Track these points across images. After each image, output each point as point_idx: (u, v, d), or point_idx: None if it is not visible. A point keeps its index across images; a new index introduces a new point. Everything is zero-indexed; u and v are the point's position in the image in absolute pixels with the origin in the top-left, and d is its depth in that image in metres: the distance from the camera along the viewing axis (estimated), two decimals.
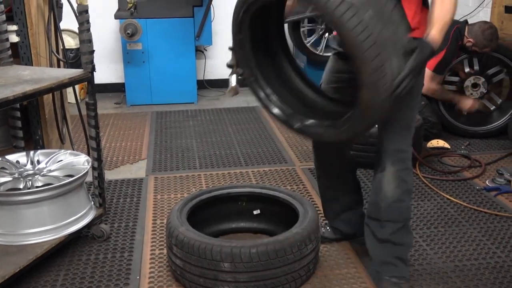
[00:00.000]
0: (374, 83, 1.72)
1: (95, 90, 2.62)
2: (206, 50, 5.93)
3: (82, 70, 2.56)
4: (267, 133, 4.56)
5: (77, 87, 5.19)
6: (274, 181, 3.53)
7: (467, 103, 4.06)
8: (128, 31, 5.01)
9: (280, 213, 2.70)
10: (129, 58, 5.29)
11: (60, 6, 3.16)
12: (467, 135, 4.29)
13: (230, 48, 2.25)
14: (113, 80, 5.81)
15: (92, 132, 2.65)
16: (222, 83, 6.02)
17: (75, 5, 2.61)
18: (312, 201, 3.20)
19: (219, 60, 6.02)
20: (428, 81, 3.67)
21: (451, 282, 2.37)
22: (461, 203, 3.15)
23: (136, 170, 3.78)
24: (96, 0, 5.36)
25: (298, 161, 3.90)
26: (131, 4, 5.19)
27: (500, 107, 4.29)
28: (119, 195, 3.32)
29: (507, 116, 4.08)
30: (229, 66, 2.24)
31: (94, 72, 2.59)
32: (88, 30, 2.54)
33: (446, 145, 4.06)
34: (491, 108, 4.32)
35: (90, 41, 2.56)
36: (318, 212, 2.87)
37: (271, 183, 3.48)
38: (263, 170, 3.72)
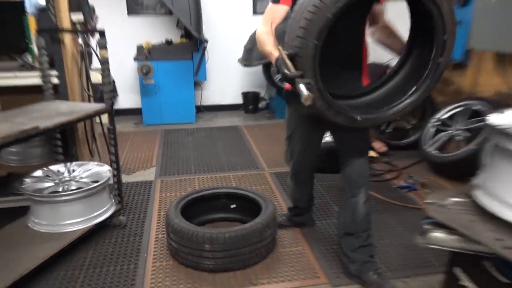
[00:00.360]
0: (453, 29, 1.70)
1: (114, 118, 2.69)
2: (202, 84, 5.99)
3: (104, 104, 2.63)
4: (245, 145, 4.60)
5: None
6: (248, 183, 3.57)
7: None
8: (144, 70, 5.07)
9: (249, 207, 2.74)
10: (145, 90, 5.33)
11: (90, 54, 3.23)
12: (391, 147, 4.32)
13: (290, 56, 1.63)
14: (133, 106, 5.83)
15: (112, 149, 2.73)
16: (214, 108, 6.12)
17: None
18: (275, 197, 3.28)
19: (211, 91, 6.11)
20: None
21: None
22: (382, 198, 3.20)
23: (148, 174, 3.80)
24: (121, 47, 5.49)
25: (267, 167, 3.93)
26: (146, 50, 5.26)
27: (414, 126, 4.37)
28: (134, 194, 3.36)
29: (418, 133, 4.17)
30: (293, 76, 1.57)
31: (113, 105, 2.65)
32: (109, 75, 2.62)
33: (374, 154, 4.13)
34: (408, 127, 4.41)
35: (110, 83, 2.63)
36: (279, 206, 2.98)
37: (245, 185, 3.52)
38: (241, 174, 3.76)
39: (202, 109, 6.06)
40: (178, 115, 5.49)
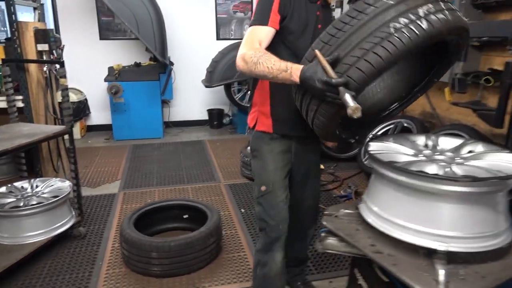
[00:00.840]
0: None
1: (73, 139, 2.76)
2: (169, 102, 6.09)
3: (64, 126, 2.71)
4: (206, 159, 4.70)
5: (79, 127, 5.33)
6: (204, 194, 3.67)
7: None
8: (112, 90, 5.13)
9: (200, 217, 2.82)
10: (115, 108, 5.38)
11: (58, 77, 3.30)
12: (336, 159, 4.47)
13: (331, 62, 1.26)
14: (105, 122, 5.86)
15: (72, 166, 2.80)
16: (182, 123, 6.23)
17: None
18: (226, 207, 3.40)
19: (179, 108, 6.22)
20: None
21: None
22: (323, 206, 3.26)
23: (112, 187, 3.85)
24: (94, 68, 5.57)
25: (223, 179, 4.03)
26: (116, 72, 5.33)
27: (356, 140, 4.55)
28: (97, 206, 3.41)
29: (359, 147, 4.34)
30: (338, 83, 1.23)
31: (73, 127, 2.74)
32: (68, 100, 2.70)
33: (322, 166, 4.29)
34: (352, 140, 4.58)
35: (69, 107, 2.72)
36: (229, 215, 3.08)
37: (201, 196, 3.63)
38: (198, 186, 3.87)
39: (170, 125, 6.15)
40: (147, 130, 5.56)
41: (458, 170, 1.34)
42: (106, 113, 5.80)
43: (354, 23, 1.25)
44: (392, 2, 1.22)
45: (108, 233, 2.97)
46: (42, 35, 2.98)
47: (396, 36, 1.18)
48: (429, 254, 1.30)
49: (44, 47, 3.01)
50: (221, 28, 6.05)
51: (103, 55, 5.70)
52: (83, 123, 5.78)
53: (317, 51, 1.30)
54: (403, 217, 1.35)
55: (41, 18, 3.20)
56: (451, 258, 1.32)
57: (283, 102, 1.70)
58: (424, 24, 1.19)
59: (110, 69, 5.40)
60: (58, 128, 2.73)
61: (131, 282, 2.40)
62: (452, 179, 1.23)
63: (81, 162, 4.45)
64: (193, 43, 5.96)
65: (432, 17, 1.20)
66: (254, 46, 1.48)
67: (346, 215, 1.59)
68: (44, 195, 2.75)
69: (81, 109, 5.55)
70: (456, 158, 1.48)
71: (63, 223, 2.74)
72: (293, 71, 1.36)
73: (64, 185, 2.86)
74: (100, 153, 4.92)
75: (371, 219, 1.47)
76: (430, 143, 1.65)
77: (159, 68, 5.41)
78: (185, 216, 3.01)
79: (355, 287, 1.74)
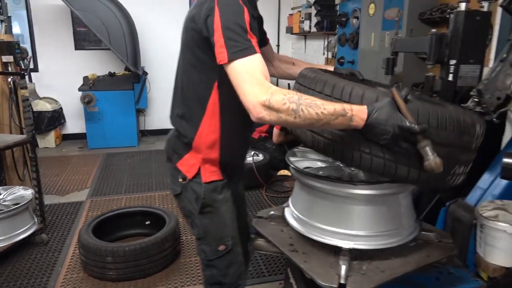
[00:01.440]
0: None
1: (35, 148, 2.85)
2: (144, 111, 6.18)
3: (26, 136, 2.79)
4: None
5: (53, 136, 5.39)
6: (170, 201, 3.75)
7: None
8: (85, 100, 5.21)
9: (161, 223, 2.89)
10: (89, 117, 5.45)
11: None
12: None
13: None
14: (80, 131, 5.91)
15: (34, 175, 2.88)
16: (158, 132, 6.30)
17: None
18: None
19: (155, 116, 6.31)
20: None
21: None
22: None
23: (81, 195, 3.91)
24: (69, 78, 5.65)
25: None
26: (91, 81, 5.42)
27: None
28: (63, 213, 3.48)
29: None
30: (421, 130, 1.08)
31: (35, 137, 2.81)
32: (29, 111, 2.79)
33: (289, 173, 4.41)
34: None
35: (30, 118, 2.80)
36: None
37: (168, 203, 3.72)
38: (166, 194, 3.96)
39: (146, 134, 6.24)
40: (121, 139, 5.64)
41: (362, 174, 1.48)
42: (81, 122, 5.85)
43: None
44: None
45: (71, 239, 3.04)
46: (6, 47, 3.07)
47: None
48: (337, 251, 1.43)
49: (9, 58, 3.09)
50: None
51: (78, 65, 5.79)
52: (58, 132, 5.83)
53: (394, 90, 1.12)
54: (315, 218, 1.48)
55: (8, 30, 3.27)
56: (357, 255, 1.45)
57: (233, 146, 1.45)
58: None
59: (85, 78, 5.49)
60: (19, 137, 2.81)
61: (88, 287, 2.48)
62: (350, 182, 1.37)
63: (52, 170, 4.53)
64: (168, 52, 6.03)
65: None
66: (266, 85, 1.10)
67: (274, 218, 1.71)
68: (6, 203, 2.81)
69: (56, 118, 5.61)
70: None
71: (24, 230, 2.79)
72: (356, 113, 1.08)
73: (26, 193, 2.92)
74: (73, 162, 4.98)
75: (291, 221, 1.59)
76: None
77: (133, 77, 5.51)
78: (147, 223, 3.10)
79: (288, 286, 1.86)
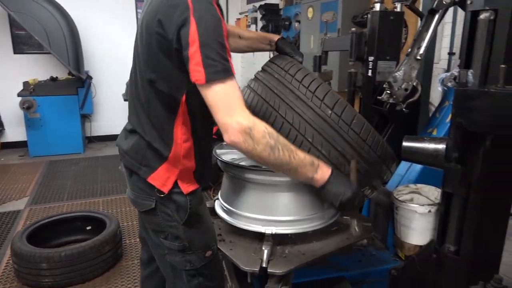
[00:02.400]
0: None
1: None
2: (90, 116, 6.01)
3: None
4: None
5: None
6: (115, 206, 3.69)
7: None
8: (25, 105, 4.99)
9: (103, 227, 2.81)
10: (30, 124, 5.22)
11: None
12: None
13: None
14: (21, 139, 5.64)
15: None
16: (105, 138, 6.14)
17: None
18: (135, 217, 3.44)
19: (102, 122, 6.15)
20: None
21: None
22: None
23: (19, 204, 3.74)
24: (7, 83, 5.40)
25: None
26: (32, 86, 5.20)
27: None
28: (1, 223, 3.33)
29: None
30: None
31: None
32: None
33: None
34: None
35: None
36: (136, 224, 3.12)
37: (112, 208, 3.65)
38: (111, 199, 3.87)
39: (93, 140, 6.06)
40: (66, 146, 5.44)
41: None
42: (21, 129, 5.58)
43: None
44: None
45: (5, 249, 2.91)
46: None
47: None
48: (262, 238, 1.49)
49: None
50: None
51: (17, 70, 5.53)
52: None
53: (354, 164, 1.33)
54: (240, 207, 1.53)
55: None
56: (281, 240, 1.52)
57: (204, 153, 1.37)
58: None
59: (25, 83, 5.26)
60: None
61: None
62: (260, 169, 1.43)
63: None
64: (115, 56, 5.95)
65: None
66: (247, 112, 1.11)
67: None
68: None
69: None
70: None
71: None
72: (323, 170, 1.22)
73: None
74: (12, 170, 4.75)
75: (220, 212, 1.63)
76: None
77: (77, 82, 5.35)
78: (88, 228, 3.03)
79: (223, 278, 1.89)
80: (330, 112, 1.31)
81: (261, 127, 1.11)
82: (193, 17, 1.06)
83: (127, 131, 1.37)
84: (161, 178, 1.27)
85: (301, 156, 1.17)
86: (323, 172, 1.22)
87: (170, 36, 1.11)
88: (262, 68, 1.53)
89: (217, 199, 1.72)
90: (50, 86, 5.29)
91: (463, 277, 1.48)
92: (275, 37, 1.58)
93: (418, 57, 1.54)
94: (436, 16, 1.54)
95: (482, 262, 1.47)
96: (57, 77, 5.42)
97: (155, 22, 1.13)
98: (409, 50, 1.60)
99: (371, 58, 1.98)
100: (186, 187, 1.29)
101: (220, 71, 1.08)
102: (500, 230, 1.46)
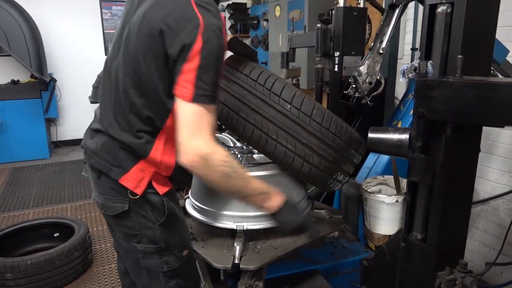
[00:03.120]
0: None
1: None
2: (55, 120, 5.81)
3: None
4: None
5: None
6: (84, 212, 3.58)
7: None
8: None
9: (71, 233, 2.71)
10: None
11: None
12: None
13: None
14: None
15: None
16: (72, 142, 5.96)
17: None
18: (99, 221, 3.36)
19: (68, 126, 5.96)
20: None
21: None
22: None
23: None
24: None
25: None
26: None
27: None
28: None
29: None
30: None
31: None
32: None
33: None
34: None
35: None
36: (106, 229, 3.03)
37: (81, 213, 3.53)
38: (79, 204, 3.76)
39: (59, 145, 5.86)
40: (30, 152, 5.24)
41: (256, 157, 1.55)
42: None
43: None
44: None
45: None
46: None
47: None
48: (234, 234, 1.48)
49: None
50: (110, 43, 5.97)
51: None
52: None
53: None
54: (211, 205, 1.52)
55: None
56: (253, 236, 1.51)
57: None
58: None
59: None
60: None
61: None
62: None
63: None
64: (80, 58, 5.79)
65: None
66: (210, 140, 1.11)
67: None
68: None
69: None
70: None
71: None
72: (275, 198, 1.29)
73: None
74: None
75: (190, 210, 1.61)
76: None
77: (40, 85, 5.16)
78: (55, 235, 2.92)
79: None
80: (289, 106, 1.31)
81: (220, 156, 1.13)
82: (201, 37, 1.06)
83: (94, 131, 1.31)
84: (134, 180, 1.22)
85: (253, 186, 1.22)
86: (275, 201, 1.29)
87: (171, 50, 1.08)
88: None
89: (188, 197, 1.70)
90: (11, 90, 5.08)
91: (431, 264, 1.52)
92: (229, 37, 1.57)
93: (381, 51, 1.57)
94: (397, 11, 1.58)
95: (448, 248, 1.52)
96: (18, 80, 5.21)
97: (156, 29, 1.08)
98: (372, 44, 1.64)
99: (337, 54, 2.01)
100: (162, 188, 1.25)
101: (209, 96, 1.09)
102: (464, 217, 1.51)
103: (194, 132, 1.09)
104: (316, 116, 1.34)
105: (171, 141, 1.19)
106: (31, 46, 4.62)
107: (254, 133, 1.35)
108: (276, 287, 1.54)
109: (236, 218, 1.47)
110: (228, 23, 5.30)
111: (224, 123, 1.42)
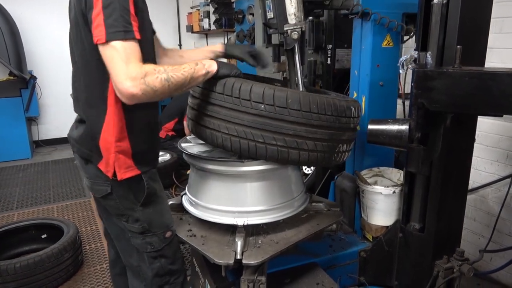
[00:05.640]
0: None
1: None
2: (37, 119, 5.66)
3: None
4: (77, 176, 4.42)
5: None
6: (71, 212, 3.49)
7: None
8: None
9: (59, 234, 2.63)
10: None
11: None
12: None
13: None
14: None
15: None
16: (54, 141, 5.82)
17: None
18: (94, 222, 3.29)
19: (50, 125, 5.81)
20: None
21: None
22: None
23: None
24: None
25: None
26: None
27: None
28: None
29: None
30: None
31: None
32: None
33: None
34: None
35: None
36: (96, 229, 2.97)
37: (68, 213, 3.44)
38: (66, 204, 3.66)
39: (41, 144, 5.71)
40: (11, 152, 5.07)
41: None
42: None
43: None
44: None
45: None
46: None
47: None
48: (234, 230, 1.47)
49: None
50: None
51: None
52: None
53: None
54: (209, 201, 1.50)
55: None
56: (254, 231, 1.51)
57: (142, 131, 1.35)
58: None
59: None
60: None
61: None
62: (238, 160, 1.41)
63: None
64: (60, 55, 5.60)
65: None
66: (139, 65, 1.13)
67: (173, 207, 1.70)
68: None
69: None
70: None
71: None
72: (208, 63, 1.30)
73: None
74: None
75: (188, 207, 1.59)
76: None
77: (19, 83, 4.99)
78: (43, 236, 2.85)
79: (195, 275, 1.86)
80: (263, 106, 1.28)
81: (150, 70, 1.14)
82: None
83: (77, 121, 1.40)
84: (105, 163, 1.29)
85: (187, 66, 1.23)
86: (210, 65, 1.30)
87: (82, 7, 1.17)
88: (190, 94, 1.51)
89: (185, 194, 1.68)
90: None
91: (429, 253, 1.55)
92: (219, 47, 1.61)
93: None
94: (294, 50, 1.57)
95: (445, 237, 1.55)
96: None
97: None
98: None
99: (329, 47, 2.01)
100: (123, 173, 1.29)
101: (122, 31, 1.11)
102: (460, 205, 1.55)
103: (122, 65, 1.10)
104: (292, 104, 1.29)
105: (120, 117, 1.25)
106: (9, 43, 4.47)
107: (242, 144, 1.33)
108: (278, 281, 1.54)
109: (235, 213, 1.46)
110: (212, 18, 5.24)
111: (209, 142, 1.42)
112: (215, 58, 1.58)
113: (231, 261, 1.34)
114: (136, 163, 1.31)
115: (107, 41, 1.10)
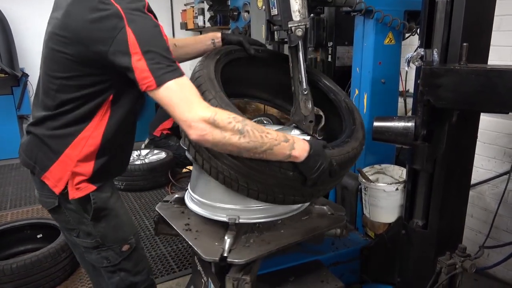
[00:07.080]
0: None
1: None
2: (29, 117, 5.58)
3: None
4: None
5: None
6: None
7: None
8: None
9: (55, 234, 2.61)
10: None
11: None
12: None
13: None
14: None
15: None
16: None
17: None
18: None
19: None
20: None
21: None
22: None
23: None
24: None
25: None
26: None
27: None
28: None
29: None
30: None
31: None
32: None
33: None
34: None
35: None
36: None
37: None
38: None
39: None
40: (3, 151, 4.98)
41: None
42: None
43: None
44: None
45: None
46: None
47: None
48: (227, 227, 1.44)
49: None
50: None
51: None
52: None
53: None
54: (207, 197, 1.48)
55: None
56: (248, 229, 1.47)
57: (114, 155, 1.31)
58: None
59: None
60: None
61: None
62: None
63: None
64: None
65: None
66: (206, 104, 1.06)
67: (177, 201, 1.68)
68: None
69: None
70: None
71: None
72: (299, 144, 1.11)
73: None
74: None
75: (188, 202, 1.58)
76: None
77: (11, 80, 4.91)
78: (39, 236, 2.81)
79: (197, 274, 1.84)
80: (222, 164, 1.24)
81: (224, 114, 1.04)
82: (130, 28, 1.03)
83: (26, 130, 1.32)
84: (54, 178, 1.22)
85: (273, 134, 1.08)
86: (300, 147, 1.12)
87: (94, 47, 1.07)
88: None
89: (187, 189, 1.66)
90: None
91: (431, 249, 1.56)
92: (218, 33, 1.54)
93: (305, 92, 1.43)
94: (299, 48, 1.50)
95: (448, 234, 1.56)
96: None
97: (72, 31, 1.12)
98: (293, 89, 1.49)
99: (330, 44, 2.01)
100: (76, 192, 1.22)
101: (169, 72, 1.05)
102: (463, 202, 1.56)
103: (184, 106, 1.03)
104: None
105: (87, 139, 1.20)
106: (0, 40, 4.40)
107: (251, 190, 1.31)
108: (282, 279, 1.53)
109: (229, 210, 1.43)
110: (207, 15, 5.21)
111: None
112: (212, 44, 1.50)
113: (217, 258, 1.30)
114: (93, 182, 1.25)
115: (158, 85, 1.03)
